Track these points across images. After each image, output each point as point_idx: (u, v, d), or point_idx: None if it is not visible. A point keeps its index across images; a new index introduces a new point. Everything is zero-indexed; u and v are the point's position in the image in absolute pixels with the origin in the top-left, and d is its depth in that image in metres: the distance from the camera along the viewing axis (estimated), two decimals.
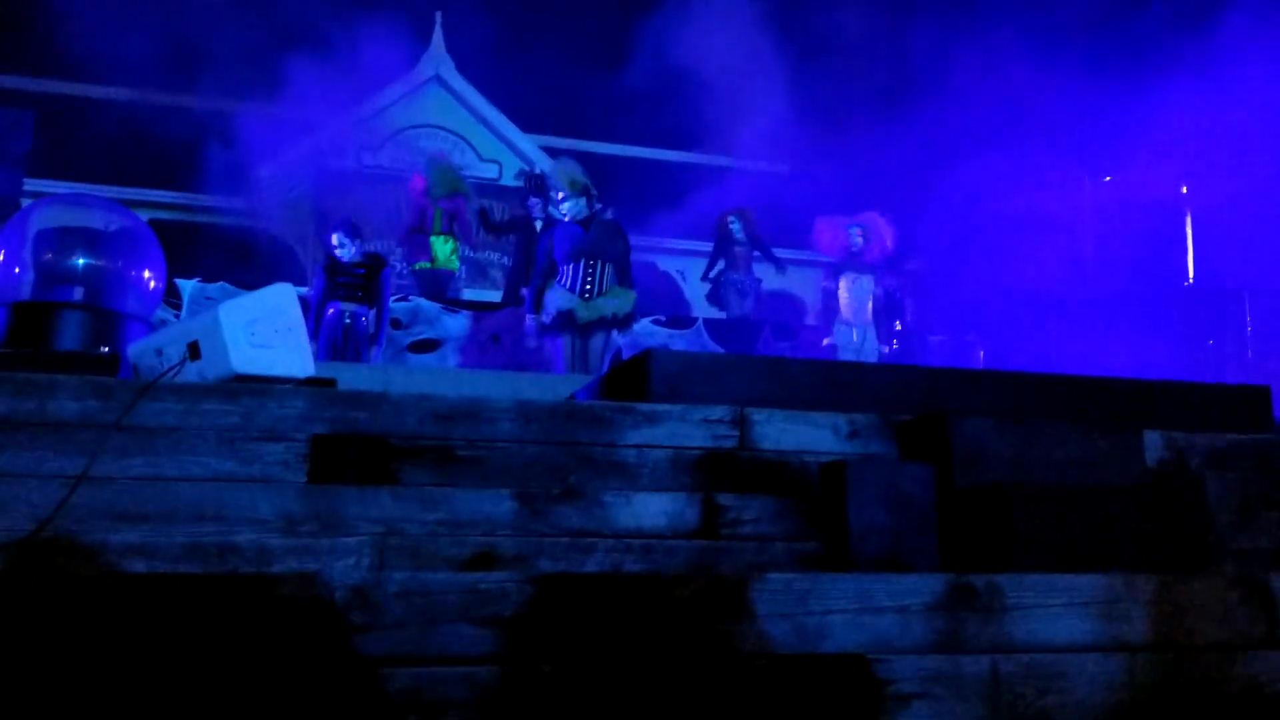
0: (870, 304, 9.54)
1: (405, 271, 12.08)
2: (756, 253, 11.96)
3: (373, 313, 8.53)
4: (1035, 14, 12.66)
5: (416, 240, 11.19)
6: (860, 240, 9.53)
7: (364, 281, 8.52)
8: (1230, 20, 11.16)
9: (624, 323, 7.99)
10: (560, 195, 7.98)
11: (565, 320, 7.70)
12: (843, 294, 9.52)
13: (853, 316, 9.49)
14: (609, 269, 7.80)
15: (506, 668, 2.12)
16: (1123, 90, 11.70)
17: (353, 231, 8.70)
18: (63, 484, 2.76)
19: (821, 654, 2.31)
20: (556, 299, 7.73)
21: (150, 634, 1.99)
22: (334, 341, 8.30)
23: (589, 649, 2.19)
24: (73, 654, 1.95)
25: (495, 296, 12.09)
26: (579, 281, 7.71)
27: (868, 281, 9.58)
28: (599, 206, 7.97)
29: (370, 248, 9.40)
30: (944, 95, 12.85)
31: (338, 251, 8.60)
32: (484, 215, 11.49)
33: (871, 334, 9.49)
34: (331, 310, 8.46)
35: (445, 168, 11.46)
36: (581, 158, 9.75)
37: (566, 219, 7.90)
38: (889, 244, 9.59)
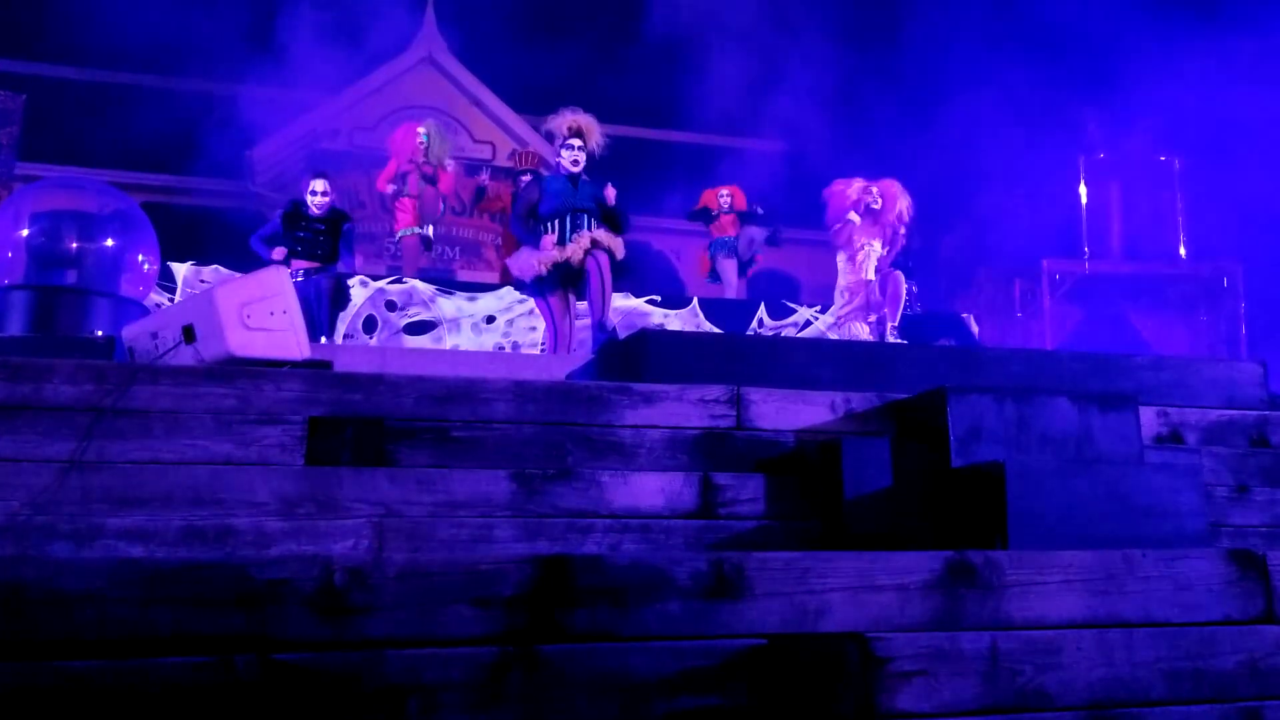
0: (876, 273, 9.25)
1: (391, 244, 11.95)
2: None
3: (328, 274, 7.70)
4: None
5: (400, 201, 10.90)
6: (879, 200, 9.20)
7: (327, 240, 7.75)
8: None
9: (615, 256, 7.08)
10: (569, 136, 7.24)
11: (557, 273, 7.09)
12: (845, 271, 9.18)
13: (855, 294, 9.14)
14: (594, 223, 7.20)
15: (506, 648, 2.12)
16: (1119, 65, 11.69)
17: (330, 183, 7.95)
18: (60, 468, 2.76)
19: (821, 633, 2.32)
20: (543, 254, 6.92)
21: (149, 618, 1.99)
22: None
23: (587, 630, 2.19)
24: (70, 635, 1.95)
25: (489, 277, 12.05)
26: (566, 236, 7.14)
27: (874, 254, 9.22)
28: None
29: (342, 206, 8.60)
30: (939, 70, 12.84)
31: (313, 199, 7.75)
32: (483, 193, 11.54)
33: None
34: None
35: (443, 133, 11.19)
36: None
37: (566, 164, 7.26)
38: (905, 209, 9.29)
